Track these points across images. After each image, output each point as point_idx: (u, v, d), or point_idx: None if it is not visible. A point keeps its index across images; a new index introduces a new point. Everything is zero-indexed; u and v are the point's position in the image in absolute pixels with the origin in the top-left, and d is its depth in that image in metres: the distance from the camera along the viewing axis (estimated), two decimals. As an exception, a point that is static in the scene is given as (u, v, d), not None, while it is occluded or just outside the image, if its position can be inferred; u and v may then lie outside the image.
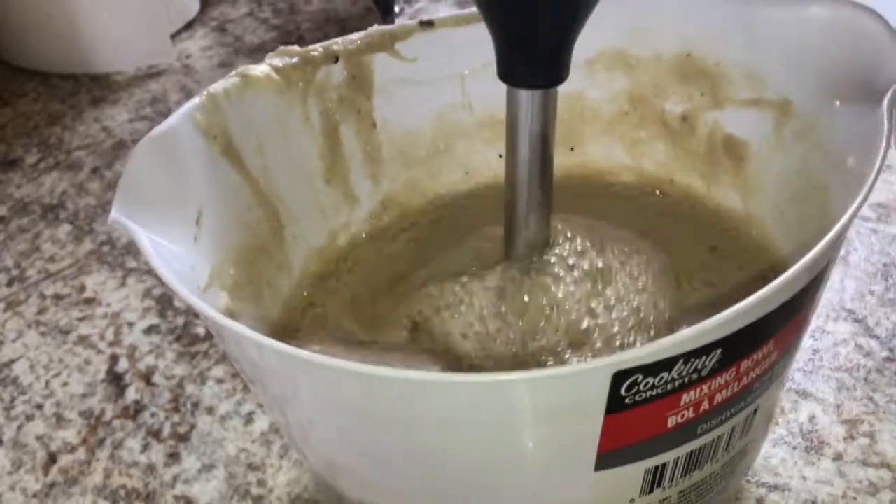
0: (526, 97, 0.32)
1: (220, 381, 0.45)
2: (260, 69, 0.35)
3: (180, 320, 0.49)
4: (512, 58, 0.31)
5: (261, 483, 0.41)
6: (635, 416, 0.26)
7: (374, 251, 0.41)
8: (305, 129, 0.38)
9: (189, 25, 0.82)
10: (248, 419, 0.43)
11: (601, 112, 0.43)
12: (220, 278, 0.33)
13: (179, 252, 0.30)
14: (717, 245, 0.40)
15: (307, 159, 0.39)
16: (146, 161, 0.31)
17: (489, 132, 0.43)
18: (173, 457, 0.42)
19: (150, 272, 0.53)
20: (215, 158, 0.34)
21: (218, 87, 0.34)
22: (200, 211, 0.32)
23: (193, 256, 0.31)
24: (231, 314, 0.32)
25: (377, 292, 0.39)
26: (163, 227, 0.30)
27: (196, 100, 0.33)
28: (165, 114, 0.68)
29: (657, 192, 0.43)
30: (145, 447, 0.43)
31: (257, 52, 0.78)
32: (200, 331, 0.49)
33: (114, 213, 0.28)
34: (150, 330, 0.49)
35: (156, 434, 0.43)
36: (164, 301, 0.51)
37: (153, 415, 0.44)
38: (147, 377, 0.46)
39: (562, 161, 0.42)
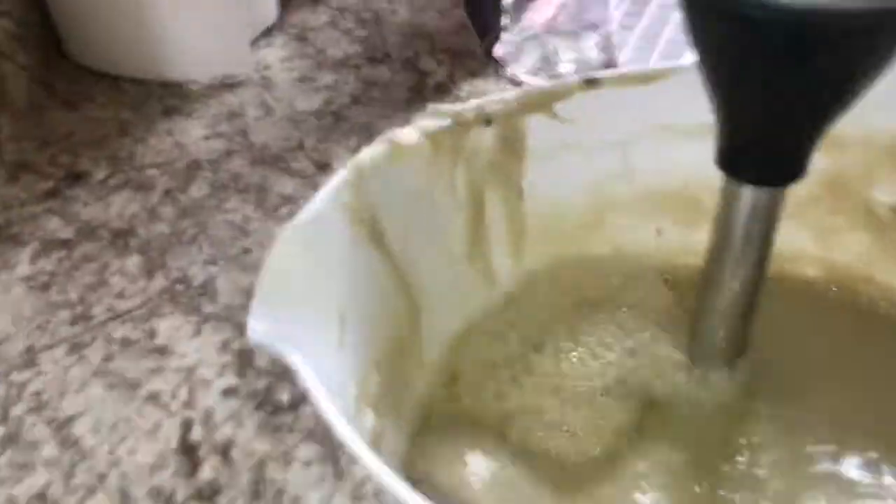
0: (750, 193, 0.27)
1: (307, 463, 0.40)
2: (409, 134, 0.30)
3: (262, 382, 0.44)
4: (743, 149, 0.26)
5: None
6: None
7: (507, 338, 0.36)
8: (451, 201, 0.33)
9: (267, 32, 0.76)
10: (341, 516, 0.38)
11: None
12: (364, 389, 0.28)
13: (327, 367, 0.25)
14: None
15: (449, 234, 0.33)
16: (291, 254, 0.26)
17: (647, 205, 0.37)
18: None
19: (229, 319, 0.47)
20: (361, 244, 0.29)
21: (364, 157, 0.29)
22: (344, 309, 0.27)
23: (339, 368, 0.27)
24: (377, 435, 0.27)
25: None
26: (309, 337, 0.25)
27: (342, 174, 0.27)
28: (244, 131, 0.62)
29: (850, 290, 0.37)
30: None
31: (341, 67, 0.72)
32: (285, 397, 0.43)
33: (254, 325, 0.23)
34: (228, 392, 0.43)
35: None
36: (245, 357, 0.45)
37: (231, 501, 0.39)
38: (224, 451, 0.41)
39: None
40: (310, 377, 0.24)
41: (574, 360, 0.35)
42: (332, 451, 0.40)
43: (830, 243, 0.37)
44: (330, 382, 0.26)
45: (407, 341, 0.33)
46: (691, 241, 0.37)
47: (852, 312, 0.37)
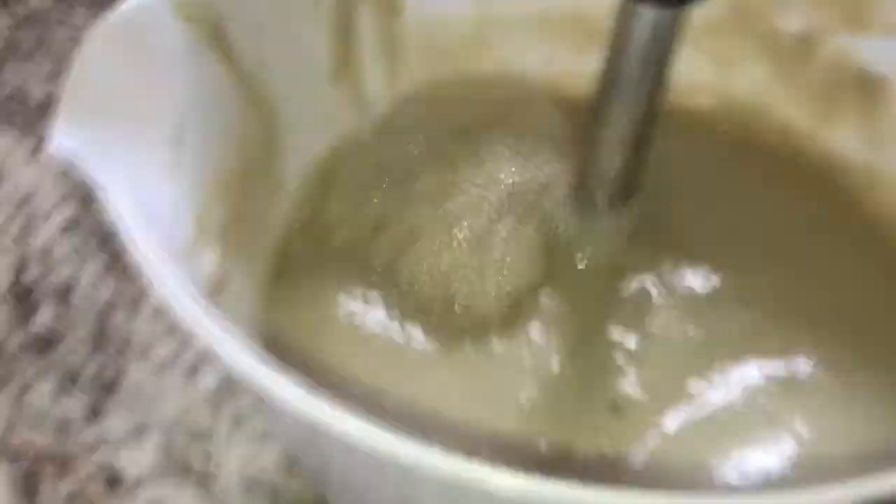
0: (650, 14, 0.23)
1: (158, 312, 0.36)
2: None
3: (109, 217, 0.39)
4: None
5: (206, 457, 0.32)
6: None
7: (381, 164, 0.32)
8: (313, 9, 0.27)
9: None
10: (192, 370, 0.34)
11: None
12: (206, 224, 0.24)
13: (156, 194, 0.21)
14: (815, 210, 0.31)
15: (314, 49, 0.29)
16: (104, 57, 0.22)
17: (537, 24, 0.33)
18: (95, 411, 0.33)
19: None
20: (200, 51, 0.25)
21: None
22: (180, 126, 0.23)
23: (171, 199, 0.22)
24: (219, 279, 0.24)
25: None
26: (132, 157, 0.21)
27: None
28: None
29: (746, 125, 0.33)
30: (60, 394, 0.33)
31: None
32: (134, 234, 0.38)
33: (58, 138, 0.19)
34: (69, 227, 0.38)
35: (73, 378, 0.34)
36: (88, 188, 0.40)
37: (71, 350, 0.35)
38: (63, 295, 0.36)
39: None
40: (119, 201, 0.20)
41: (455, 193, 0.31)
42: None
43: (728, 74, 0.33)
44: (157, 215, 0.22)
45: (260, 170, 0.29)
46: (583, 66, 0.33)
47: (746, 147, 0.33)
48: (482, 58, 0.33)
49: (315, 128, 0.31)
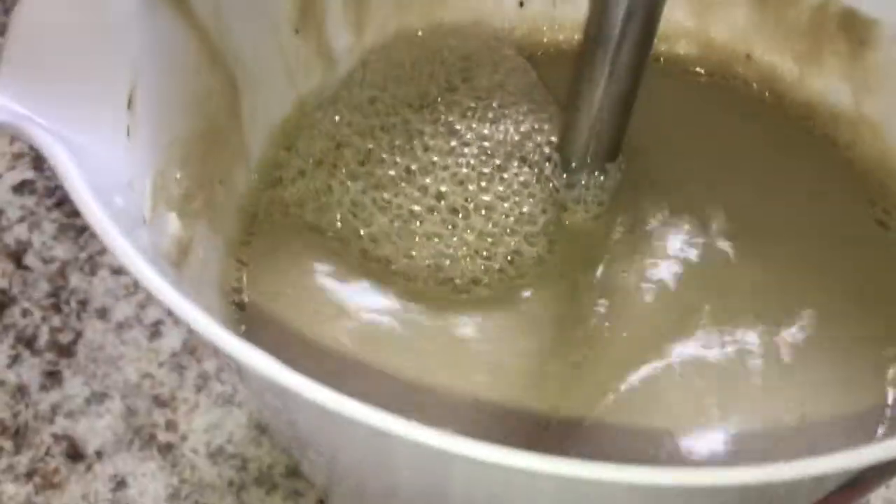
0: None
1: (116, 271, 0.34)
2: None
3: (64, 177, 0.37)
4: None
5: (170, 426, 0.31)
6: None
7: (350, 122, 0.30)
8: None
9: None
10: (155, 331, 0.33)
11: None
12: (164, 190, 0.23)
13: (108, 160, 0.20)
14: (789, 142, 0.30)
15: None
16: (47, 10, 0.20)
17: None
18: (52, 377, 0.32)
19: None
20: (152, 3, 0.23)
21: None
22: (133, 86, 0.22)
23: (127, 162, 0.21)
24: (183, 245, 0.23)
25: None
26: (80, 121, 0.19)
27: None
28: None
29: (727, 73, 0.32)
30: (14, 360, 0.32)
31: None
32: (91, 193, 0.37)
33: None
34: (21, 187, 0.37)
35: (28, 342, 0.32)
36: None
37: (25, 313, 0.33)
38: (17, 257, 0.35)
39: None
40: (67, 167, 0.18)
41: (429, 148, 0.29)
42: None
43: (708, 19, 0.32)
44: (112, 179, 0.21)
45: (222, 132, 0.27)
46: (558, 13, 0.32)
47: (729, 95, 0.32)
48: (452, 6, 0.32)
49: (279, 85, 0.29)
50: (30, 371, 0.32)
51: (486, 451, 0.15)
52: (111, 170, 0.21)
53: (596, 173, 0.28)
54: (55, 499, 0.29)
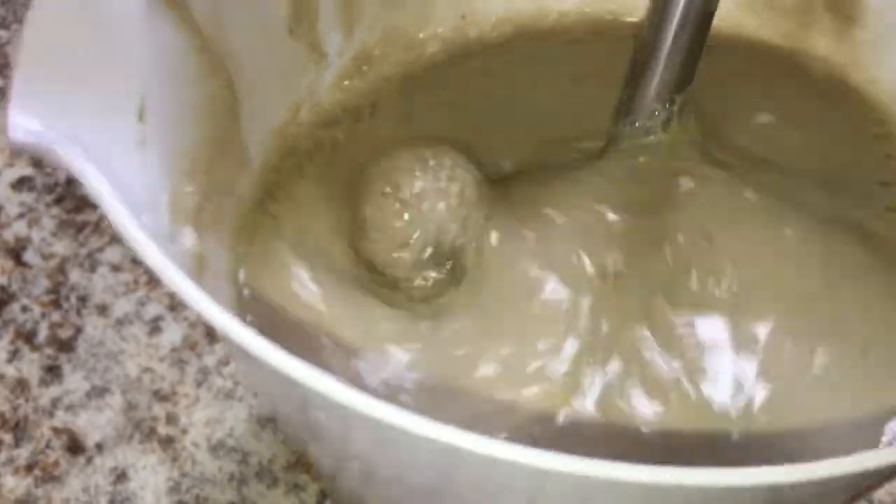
0: None
1: (116, 268, 0.34)
2: None
3: (62, 174, 0.37)
4: None
5: (171, 419, 0.31)
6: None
7: (346, 128, 0.30)
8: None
9: None
10: (154, 327, 0.33)
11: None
12: (179, 203, 0.23)
13: (126, 175, 0.19)
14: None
15: (268, 3, 0.28)
16: (57, 23, 0.19)
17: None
18: (52, 372, 0.32)
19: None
20: (155, 10, 0.23)
21: None
22: (143, 98, 0.21)
23: (144, 176, 0.21)
24: (199, 260, 0.23)
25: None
26: (100, 137, 0.19)
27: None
28: None
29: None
30: (14, 355, 0.32)
31: None
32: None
33: (18, 119, 0.17)
34: (21, 183, 0.37)
35: (28, 337, 0.33)
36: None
37: (25, 309, 0.33)
38: (17, 253, 0.35)
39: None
40: (100, 188, 0.18)
41: (428, 160, 0.29)
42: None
43: None
44: (136, 196, 0.20)
45: (225, 140, 0.27)
46: (543, 3, 0.32)
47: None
48: (439, 7, 0.32)
49: (274, 88, 0.29)
50: (30, 366, 0.32)
51: (493, 447, 0.15)
52: (133, 187, 0.20)
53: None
54: (55, 492, 0.29)
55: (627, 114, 0.29)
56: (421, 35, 0.32)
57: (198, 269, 0.24)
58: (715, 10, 0.27)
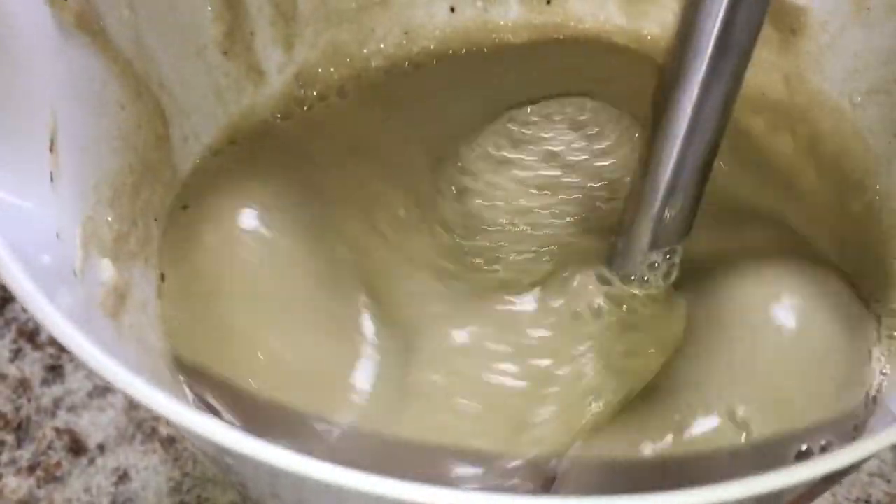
0: None
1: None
2: None
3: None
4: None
5: (171, 419, 0.31)
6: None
7: (285, 147, 0.30)
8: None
9: None
10: (152, 324, 0.33)
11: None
12: (95, 235, 0.22)
13: (32, 211, 0.19)
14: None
15: (197, 22, 0.27)
16: None
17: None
18: (54, 372, 0.32)
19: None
20: (67, 34, 0.22)
21: None
22: (54, 128, 0.21)
23: (53, 211, 0.20)
24: (120, 291, 0.22)
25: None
26: (5, 168, 0.19)
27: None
28: None
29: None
30: (16, 354, 0.32)
31: None
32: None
33: None
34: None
35: (30, 337, 0.33)
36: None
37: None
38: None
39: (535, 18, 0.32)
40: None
41: (374, 171, 0.29)
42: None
43: (639, 18, 0.32)
44: (38, 234, 0.20)
45: (153, 162, 0.26)
46: (488, 17, 0.31)
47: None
48: (382, 18, 0.31)
49: (209, 109, 0.28)
50: (32, 365, 0.32)
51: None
52: (36, 222, 0.20)
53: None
54: (57, 492, 0.30)
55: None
56: (364, 51, 0.31)
57: (117, 303, 0.23)
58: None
